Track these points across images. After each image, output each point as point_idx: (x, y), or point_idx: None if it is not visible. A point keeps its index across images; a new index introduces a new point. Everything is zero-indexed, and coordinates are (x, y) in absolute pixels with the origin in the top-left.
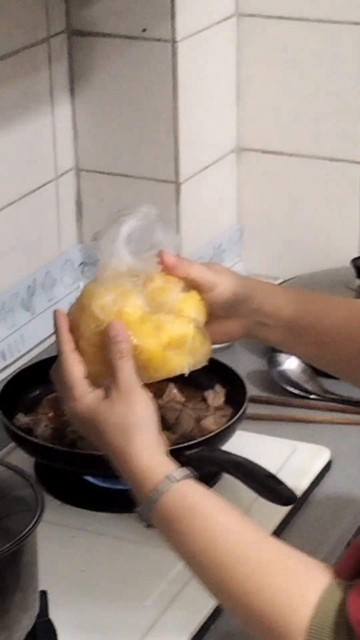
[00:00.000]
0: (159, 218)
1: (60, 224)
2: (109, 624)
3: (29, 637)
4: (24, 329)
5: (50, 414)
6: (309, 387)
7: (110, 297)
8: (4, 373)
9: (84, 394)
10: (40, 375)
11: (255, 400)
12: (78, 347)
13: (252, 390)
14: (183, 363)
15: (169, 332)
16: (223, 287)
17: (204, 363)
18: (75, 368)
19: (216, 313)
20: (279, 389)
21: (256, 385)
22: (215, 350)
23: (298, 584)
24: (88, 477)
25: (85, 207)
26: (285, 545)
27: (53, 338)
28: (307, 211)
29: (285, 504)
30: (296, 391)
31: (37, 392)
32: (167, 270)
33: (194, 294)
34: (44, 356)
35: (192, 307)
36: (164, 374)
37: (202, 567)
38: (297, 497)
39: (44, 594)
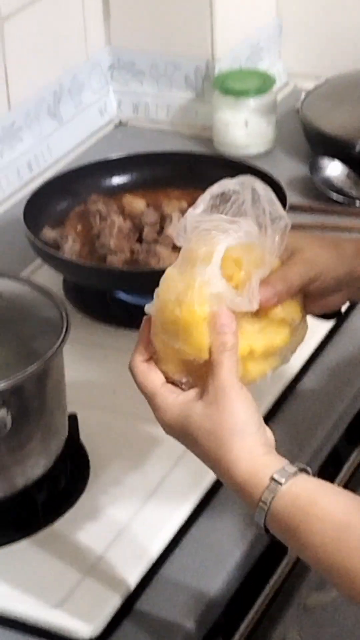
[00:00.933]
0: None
1: (86, 23)
2: (142, 447)
3: (59, 461)
4: (51, 138)
5: (79, 228)
6: (354, 193)
7: (184, 288)
8: (31, 185)
9: (168, 400)
10: (68, 187)
11: (296, 208)
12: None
13: (292, 197)
14: (267, 370)
15: (258, 343)
16: (322, 279)
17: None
18: (148, 378)
19: (317, 297)
20: (322, 195)
21: (297, 193)
22: (252, 156)
23: None
24: (119, 294)
25: (112, 4)
26: None
27: (82, 148)
28: (351, 4)
29: (328, 317)
30: (340, 198)
31: (65, 204)
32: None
33: None
34: (73, 166)
35: (287, 309)
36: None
37: (329, 571)
38: (342, 312)
39: (73, 417)
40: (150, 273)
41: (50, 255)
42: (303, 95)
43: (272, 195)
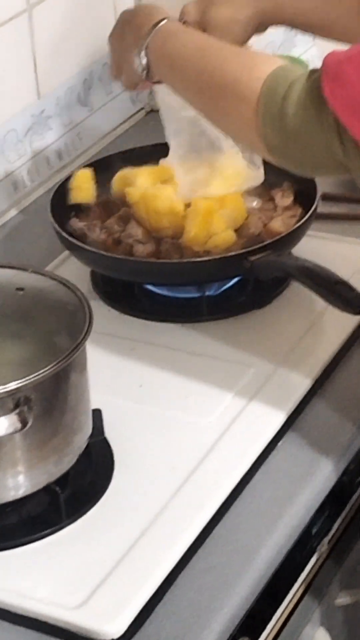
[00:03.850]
0: None
1: (116, 9)
2: (169, 442)
3: (83, 457)
4: (81, 126)
5: (105, 218)
6: None
7: None
8: (61, 174)
9: None
10: (97, 176)
11: (328, 197)
12: None
13: (324, 187)
14: None
15: None
16: (235, 29)
17: None
18: None
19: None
20: (355, 185)
21: (329, 182)
22: None
23: (261, 61)
24: (148, 286)
25: None
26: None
27: (113, 135)
28: None
29: (357, 312)
30: None
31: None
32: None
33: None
34: (103, 154)
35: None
36: None
37: (185, 77)
38: None
39: (98, 412)
40: (177, 264)
41: (76, 246)
42: None
43: None
